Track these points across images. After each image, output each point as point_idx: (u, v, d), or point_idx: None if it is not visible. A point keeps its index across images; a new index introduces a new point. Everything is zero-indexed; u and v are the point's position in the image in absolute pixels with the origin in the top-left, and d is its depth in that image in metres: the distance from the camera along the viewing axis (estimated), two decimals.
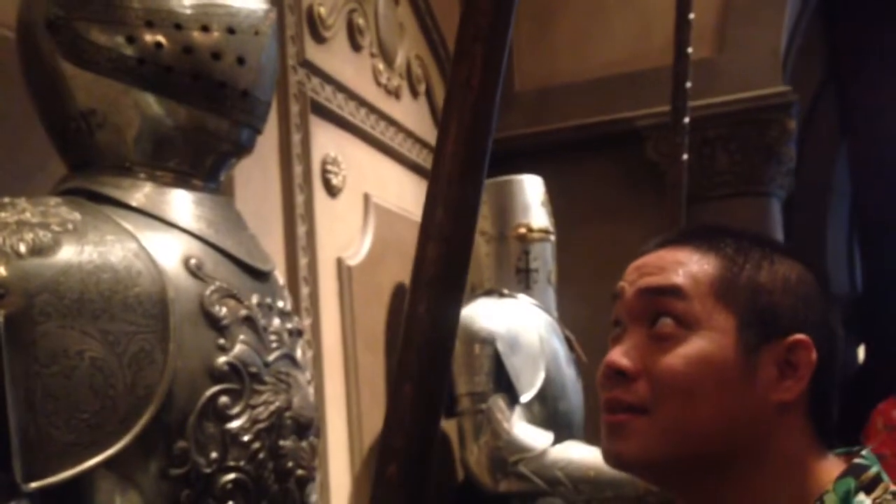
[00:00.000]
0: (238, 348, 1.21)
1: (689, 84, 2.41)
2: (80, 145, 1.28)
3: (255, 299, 1.27)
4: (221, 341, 1.20)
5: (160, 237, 1.20)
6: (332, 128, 2.69)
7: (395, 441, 0.76)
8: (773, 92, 3.43)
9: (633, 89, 3.56)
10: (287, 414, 1.27)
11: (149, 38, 1.22)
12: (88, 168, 1.27)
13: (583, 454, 2.52)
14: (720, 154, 3.48)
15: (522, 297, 2.82)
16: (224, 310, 1.21)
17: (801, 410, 0.84)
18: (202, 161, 1.30)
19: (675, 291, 0.84)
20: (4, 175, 1.57)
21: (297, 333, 1.37)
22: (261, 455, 1.22)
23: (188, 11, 1.24)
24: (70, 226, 1.12)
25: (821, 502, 0.81)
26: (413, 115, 3.23)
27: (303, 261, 2.40)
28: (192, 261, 1.21)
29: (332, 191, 2.63)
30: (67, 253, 1.09)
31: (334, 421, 2.47)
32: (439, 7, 3.36)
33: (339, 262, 2.63)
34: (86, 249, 1.10)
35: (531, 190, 2.91)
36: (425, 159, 3.20)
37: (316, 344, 2.40)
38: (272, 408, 1.24)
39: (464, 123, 0.78)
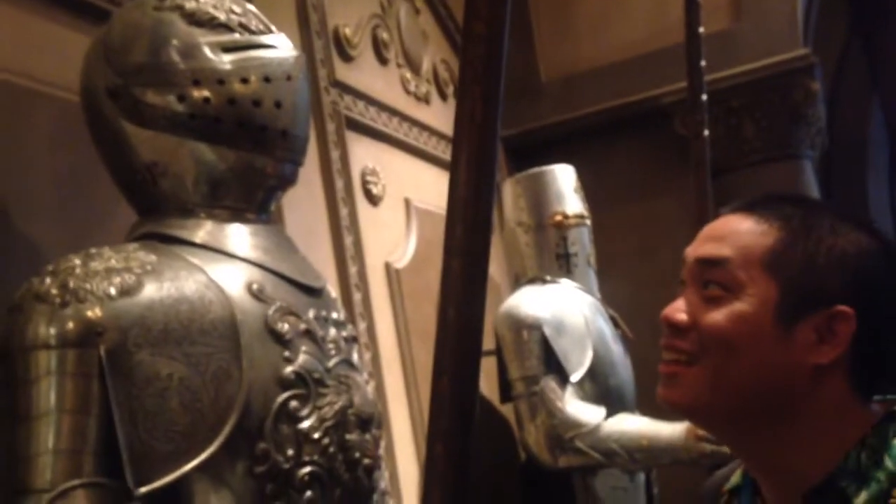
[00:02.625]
0: (302, 358, 1.37)
1: (703, 62, 2.48)
2: (146, 193, 1.45)
3: (311, 314, 1.43)
4: (286, 354, 1.36)
5: (224, 268, 1.37)
6: (368, 140, 2.84)
7: (439, 424, 0.91)
8: (794, 56, 3.47)
9: (655, 67, 3.62)
10: (350, 411, 1.43)
11: (197, 94, 1.38)
12: (155, 213, 1.44)
13: (636, 425, 2.63)
14: (746, 123, 3.54)
15: (565, 282, 2.93)
16: (286, 326, 1.37)
17: (842, 372, 0.92)
18: (253, 196, 1.46)
19: (721, 262, 0.95)
20: (81, 221, 1.75)
21: (352, 340, 1.53)
22: (331, 449, 1.38)
23: (228, 67, 1.39)
24: (149, 267, 1.29)
25: (861, 444, 0.90)
26: (444, 117, 3.35)
27: (353, 269, 2.55)
28: (254, 286, 1.37)
29: (373, 200, 2.79)
30: (150, 291, 1.26)
31: (397, 413, 2.62)
32: (459, 10, 3.48)
33: (387, 266, 2.78)
34: (164, 286, 1.28)
35: (563, 178, 3.01)
36: None
37: (373, 345, 2.56)
38: (336, 407, 1.40)
39: (472, 151, 0.93)
